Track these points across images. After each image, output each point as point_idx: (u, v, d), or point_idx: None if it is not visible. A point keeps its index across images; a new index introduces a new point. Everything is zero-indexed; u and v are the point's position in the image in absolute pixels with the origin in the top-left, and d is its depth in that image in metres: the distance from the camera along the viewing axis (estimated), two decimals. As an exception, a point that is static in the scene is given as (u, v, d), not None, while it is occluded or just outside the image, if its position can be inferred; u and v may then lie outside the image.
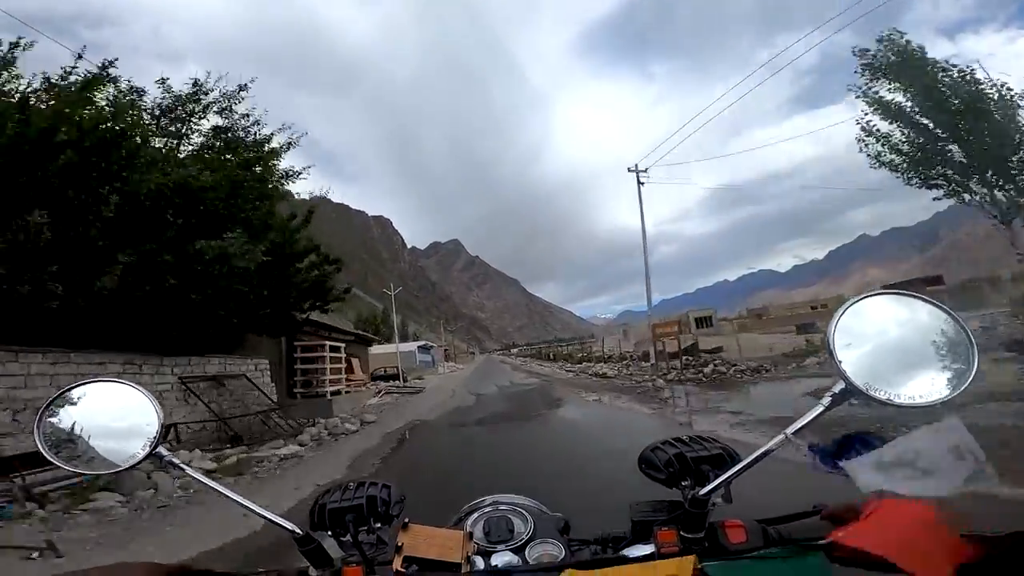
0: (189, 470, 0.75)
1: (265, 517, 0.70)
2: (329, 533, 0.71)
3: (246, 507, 0.71)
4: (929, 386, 0.58)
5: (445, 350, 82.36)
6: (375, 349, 46.88)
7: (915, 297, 0.64)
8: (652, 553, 0.65)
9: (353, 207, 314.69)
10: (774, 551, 0.62)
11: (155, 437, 0.74)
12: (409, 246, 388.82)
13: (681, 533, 0.65)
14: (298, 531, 0.68)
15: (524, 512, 0.80)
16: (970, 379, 0.58)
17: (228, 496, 0.72)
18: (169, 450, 0.74)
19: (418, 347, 59.19)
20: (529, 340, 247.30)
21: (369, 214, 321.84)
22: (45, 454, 0.73)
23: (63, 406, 0.76)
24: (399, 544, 0.68)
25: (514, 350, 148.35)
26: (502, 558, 0.72)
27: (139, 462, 0.74)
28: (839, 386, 0.60)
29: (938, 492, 0.51)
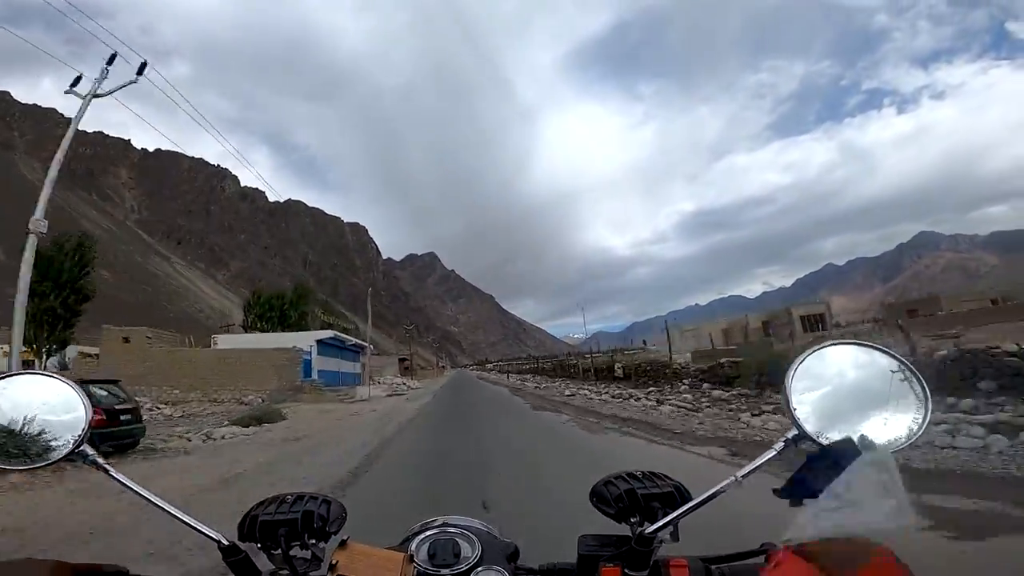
0: (113, 472, 0.71)
1: (189, 525, 0.68)
2: (258, 546, 0.68)
3: (170, 513, 0.68)
4: (882, 434, 0.60)
5: (403, 360, 68.77)
6: (224, 340, 33.03)
7: (871, 347, 0.67)
8: None
9: (328, 212, 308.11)
10: None
11: (80, 434, 0.71)
12: (384, 256, 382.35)
13: (625, 571, 0.64)
14: (224, 540, 0.66)
15: (472, 536, 0.77)
16: (922, 429, 0.61)
17: (152, 502, 0.69)
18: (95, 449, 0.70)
19: (319, 340, 34.63)
20: (503, 356, 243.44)
21: (344, 220, 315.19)
22: None
23: None
24: (333, 562, 0.65)
25: (489, 365, 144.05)
26: None
27: (60, 459, 0.71)
28: (792, 432, 0.63)
29: (874, 531, 0.51)
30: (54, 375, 0.76)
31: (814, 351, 0.67)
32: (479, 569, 0.71)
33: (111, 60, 11.05)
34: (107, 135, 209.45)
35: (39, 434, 0.71)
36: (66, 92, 10.92)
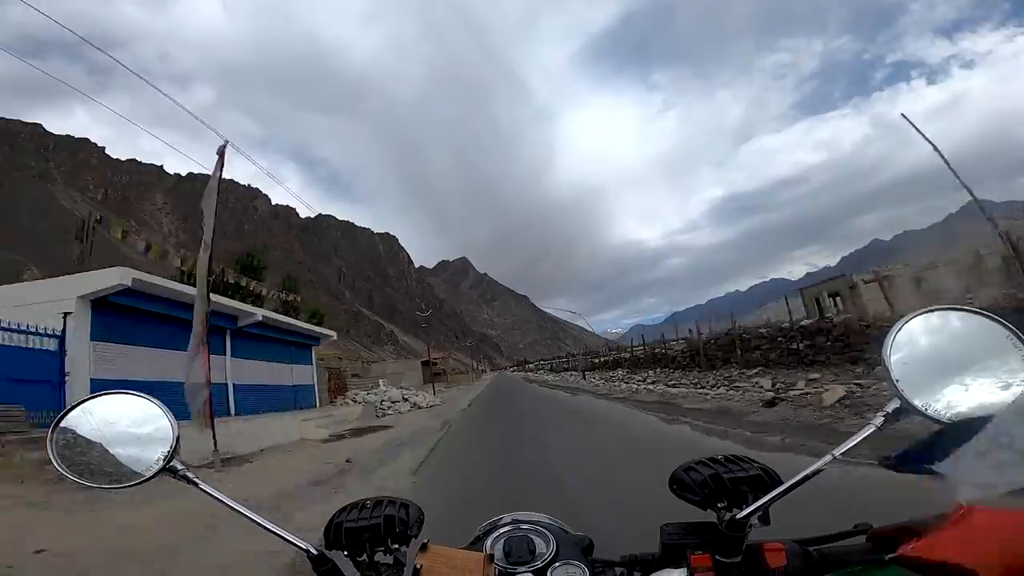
0: (204, 485, 0.73)
1: (280, 535, 0.68)
2: (345, 553, 0.68)
3: (261, 524, 0.70)
4: (986, 400, 0.56)
5: (431, 364, 49.54)
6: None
7: (971, 311, 0.63)
8: None
9: (358, 224, 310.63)
10: (841, 572, 0.59)
11: (169, 451, 0.73)
12: (417, 265, 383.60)
13: (716, 557, 0.62)
14: (313, 550, 0.67)
15: (546, 531, 0.77)
16: None
17: (242, 513, 0.71)
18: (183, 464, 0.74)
19: (107, 298, 11.21)
20: (541, 356, 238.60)
21: (375, 231, 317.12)
22: (57, 467, 0.72)
23: (76, 418, 0.75)
24: (417, 566, 0.65)
25: (530, 365, 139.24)
26: None
27: (152, 476, 0.73)
28: (893, 404, 0.60)
29: None
30: (138, 394, 0.77)
31: (912, 317, 0.64)
32: (556, 565, 0.71)
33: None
34: (140, 162, 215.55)
35: (129, 453, 0.73)
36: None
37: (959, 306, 0.64)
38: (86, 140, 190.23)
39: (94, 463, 0.73)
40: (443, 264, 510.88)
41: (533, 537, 0.75)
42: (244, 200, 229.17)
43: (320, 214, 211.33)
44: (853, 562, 0.59)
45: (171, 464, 0.72)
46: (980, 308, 0.64)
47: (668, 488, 0.71)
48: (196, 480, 0.73)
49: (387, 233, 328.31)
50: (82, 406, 0.76)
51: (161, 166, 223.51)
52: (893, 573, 0.53)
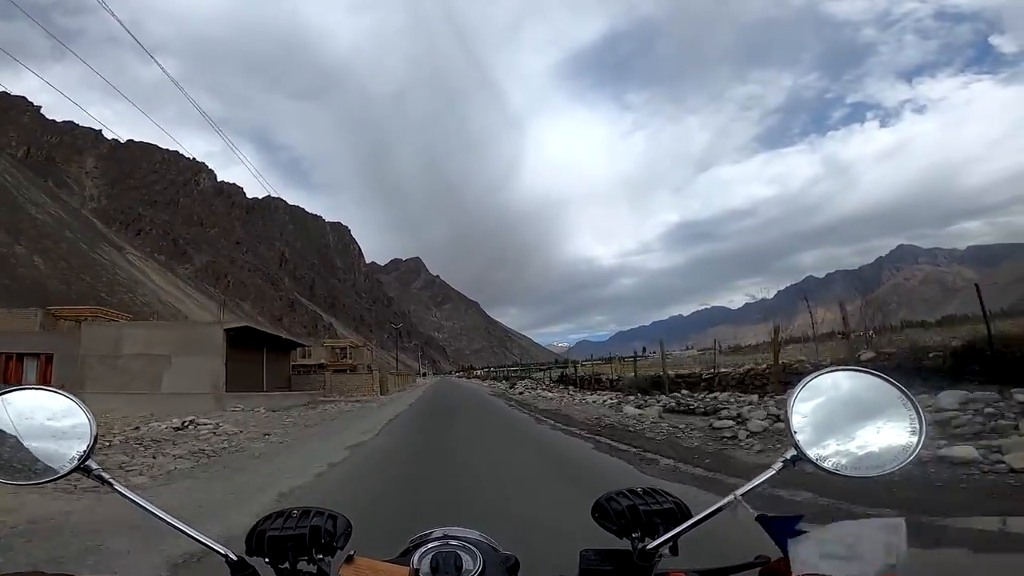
0: (119, 486, 0.69)
1: (198, 540, 0.66)
2: (267, 561, 0.67)
3: (178, 528, 0.67)
4: (876, 458, 0.63)
5: (306, 355, 40.99)
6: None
7: (870, 373, 0.70)
8: None
9: (309, 211, 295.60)
10: None
11: (86, 449, 0.70)
12: (369, 260, 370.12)
13: None
14: (232, 556, 0.65)
15: (474, 548, 0.77)
16: (914, 454, 0.63)
17: (159, 516, 0.68)
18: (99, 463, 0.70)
19: None
20: (488, 364, 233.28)
21: (326, 220, 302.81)
22: None
23: None
24: None
25: (477, 372, 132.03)
26: None
27: (66, 474, 0.69)
28: (791, 453, 0.65)
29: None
30: (57, 390, 0.75)
31: (816, 375, 0.70)
32: None
33: None
34: (77, 125, 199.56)
35: (44, 449, 0.70)
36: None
37: (858, 367, 0.71)
38: (22, 98, 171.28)
39: (5, 457, 0.70)
40: (395, 262, 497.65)
41: (461, 553, 0.74)
42: (186, 173, 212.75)
43: (269, 196, 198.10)
44: None
45: (86, 463, 0.69)
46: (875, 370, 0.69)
47: (591, 516, 0.75)
48: (111, 480, 0.70)
49: (339, 223, 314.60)
50: None
51: (99, 131, 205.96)
52: None
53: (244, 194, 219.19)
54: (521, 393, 27.40)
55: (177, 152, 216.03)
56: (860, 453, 0.64)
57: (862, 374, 0.70)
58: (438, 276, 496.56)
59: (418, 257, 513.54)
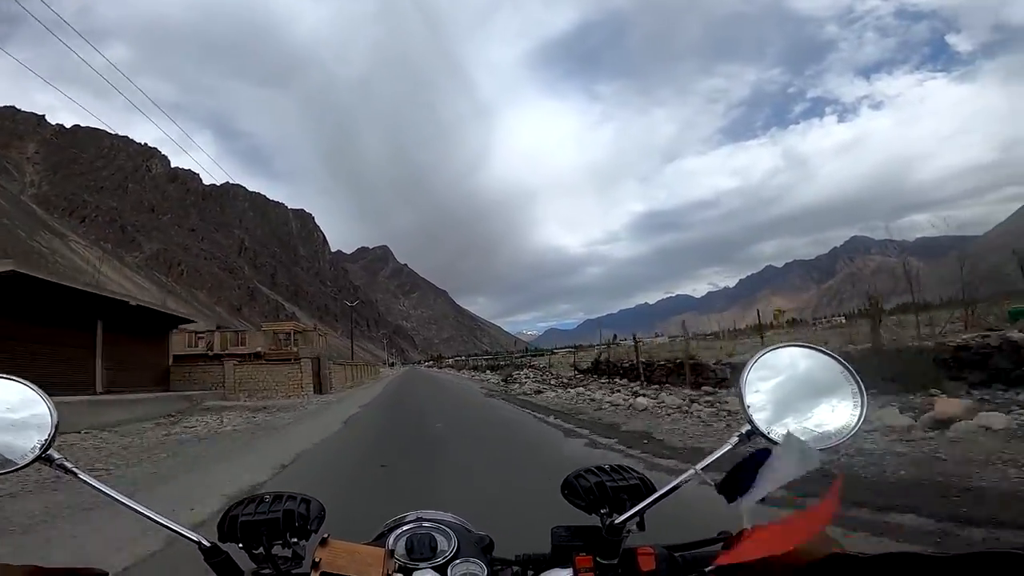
0: (83, 475, 0.68)
1: (168, 527, 0.66)
2: (240, 546, 0.67)
3: (147, 516, 0.67)
4: (825, 429, 0.67)
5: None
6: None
7: (816, 349, 0.73)
8: None
9: (271, 198, 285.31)
10: None
11: (47, 439, 0.68)
12: (335, 249, 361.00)
13: (597, 559, 0.67)
14: (205, 542, 0.65)
15: (448, 529, 0.78)
16: (858, 424, 0.67)
17: (127, 505, 0.67)
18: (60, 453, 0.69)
19: None
20: (457, 352, 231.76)
21: (289, 207, 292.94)
22: None
23: None
24: (316, 560, 0.65)
25: (448, 360, 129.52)
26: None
27: (26, 465, 0.68)
28: (746, 427, 0.68)
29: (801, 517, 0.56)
30: (16, 379, 0.73)
31: (766, 352, 0.73)
32: (456, 562, 0.72)
33: None
34: (19, 110, 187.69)
35: (3, 439, 0.68)
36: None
37: (805, 343, 0.75)
38: None
39: None
40: (362, 250, 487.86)
41: (435, 535, 0.76)
42: (137, 159, 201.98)
43: (228, 182, 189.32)
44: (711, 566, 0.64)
45: (48, 452, 0.68)
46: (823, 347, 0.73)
47: (560, 493, 0.77)
48: (75, 469, 0.69)
49: (302, 210, 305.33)
50: None
51: (43, 116, 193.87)
52: None
53: (200, 180, 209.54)
54: (539, 392, 17.86)
55: (128, 138, 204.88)
56: (808, 427, 0.67)
57: (809, 351, 0.73)
58: (406, 265, 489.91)
59: (385, 246, 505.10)
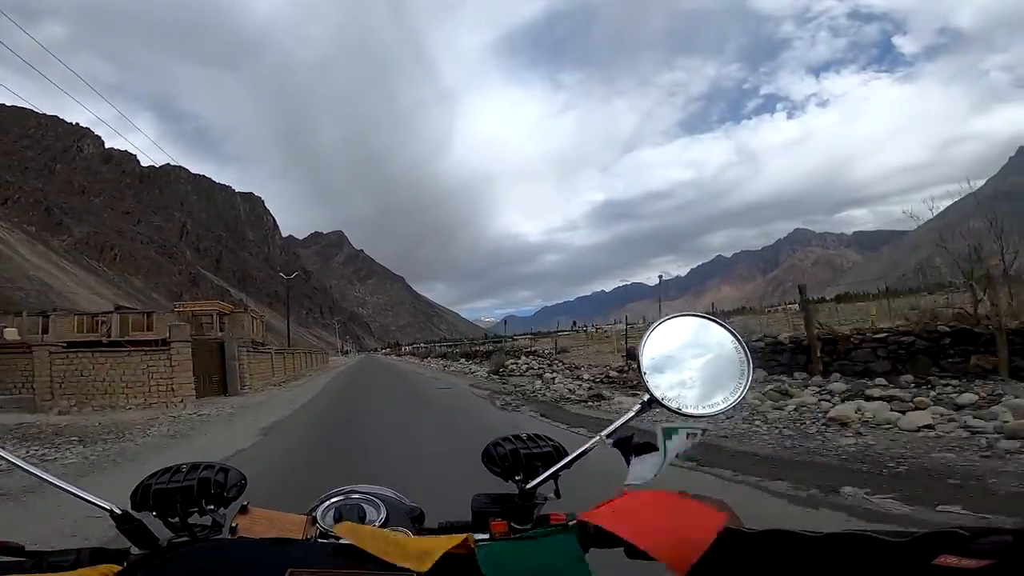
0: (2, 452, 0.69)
1: (81, 497, 0.66)
2: (154, 514, 0.66)
3: (60, 487, 0.67)
4: (715, 397, 0.70)
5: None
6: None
7: (708, 319, 0.76)
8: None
9: (217, 181, 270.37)
10: (531, 532, 0.67)
11: None
12: (286, 234, 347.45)
13: (512, 524, 0.69)
14: (116, 510, 0.64)
15: (378, 500, 0.79)
16: (742, 393, 0.71)
17: (40, 477, 0.68)
18: None
19: None
20: (415, 340, 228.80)
21: (236, 190, 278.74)
22: None
23: None
24: (234, 525, 0.65)
25: (406, 347, 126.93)
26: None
27: None
28: (646, 396, 0.71)
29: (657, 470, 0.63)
30: None
31: (663, 321, 0.75)
32: (384, 531, 0.72)
33: None
34: None
35: None
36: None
37: (699, 313, 0.78)
38: None
39: None
40: (316, 236, 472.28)
41: (364, 505, 0.77)
42: (67, 139, 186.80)
43: (168, 164, 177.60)
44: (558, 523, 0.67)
45: None
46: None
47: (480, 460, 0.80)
48: None
49: (251, 194, 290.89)
50: None
51: None
52: (562, 541, 0.63)
53: (138, 162, 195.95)
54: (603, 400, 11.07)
55: (57, 117, 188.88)
56: (700, 393, 0.70)
57: (704, 321, 0.75)
58: (362, 250, 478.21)
59: (340, 231, 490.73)
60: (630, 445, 0.70)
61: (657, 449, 0.67)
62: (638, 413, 0.71)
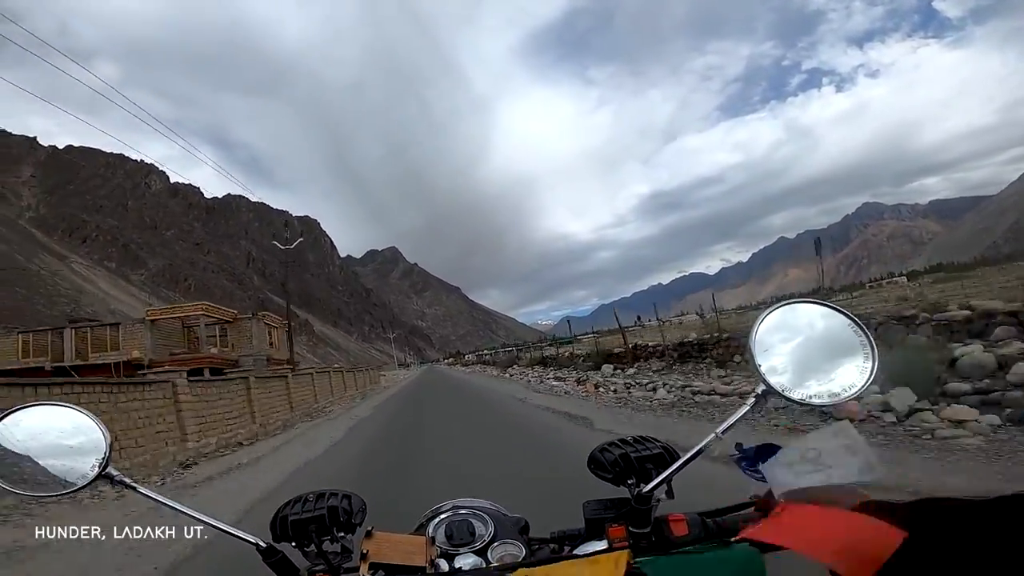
0: (141, 488, 0.73)
1: (225, 531, 0.69)
2: (293, 544, 0.70)
3: (205, 522, 0.70)
4: (837, 385, 0.65)
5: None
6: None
7: (823, 304, 0.71)
8: (604, 549, 0.68)
9: (274, 207, 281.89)
10: (702, 546, 0.65)
11: (104, 457, 0.72)
12: (344, 254, 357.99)
13: (630, 528, 0.68)
14: (261, 543, 0.68)
15: (484, 515, 0.80)
16: (870, 379, 0.66)
17: (184, 512, 0.70)
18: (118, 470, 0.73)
19: None
20: (475, 348, 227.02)
21: (293, 215, 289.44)
22: None
23: (4, 430, 0.73)
24: (364, 551, 0.68)
25: (469, 356, 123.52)
26: (465, 560, 0.74)
27: (90, 483, 0.72)
28: (760, 388, 0.66)
29: (837, 481, 0.56)
30: (66, 404, 0.77)
31: (773, 309, 0.71)
32: (495, 544, 0.75)
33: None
34: (10, 134, 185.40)
35: (65, 461, 0.73)
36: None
37: (812, 299, 0.73)
38: None
39: (27, 473, 0.72)
40: (372, 254, 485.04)
41: (473, 520, 0.79)
42: (135, 176, 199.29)
43: (229, 195, 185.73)
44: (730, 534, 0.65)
45: (107, 471, 0.72)
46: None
47: (587, 468, 0.78)
48: (134, 484, 0.72)
49: (307, 217, 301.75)
50: (10, 416, 0.75)
51: (35, 138, 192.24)
52: (739, 553, 0.60)
53: (202, 194, 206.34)
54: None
55: (123, 155, 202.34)
56: (823, 382, 0.66)
57: (818, 306, 0.71)
58: (416, 264, 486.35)
59: (394, 247, 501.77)
60: (747, 449, 0.68)
61: (778, 449, 0.64)
62: (753, 407, 0.67)
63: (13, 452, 0.72)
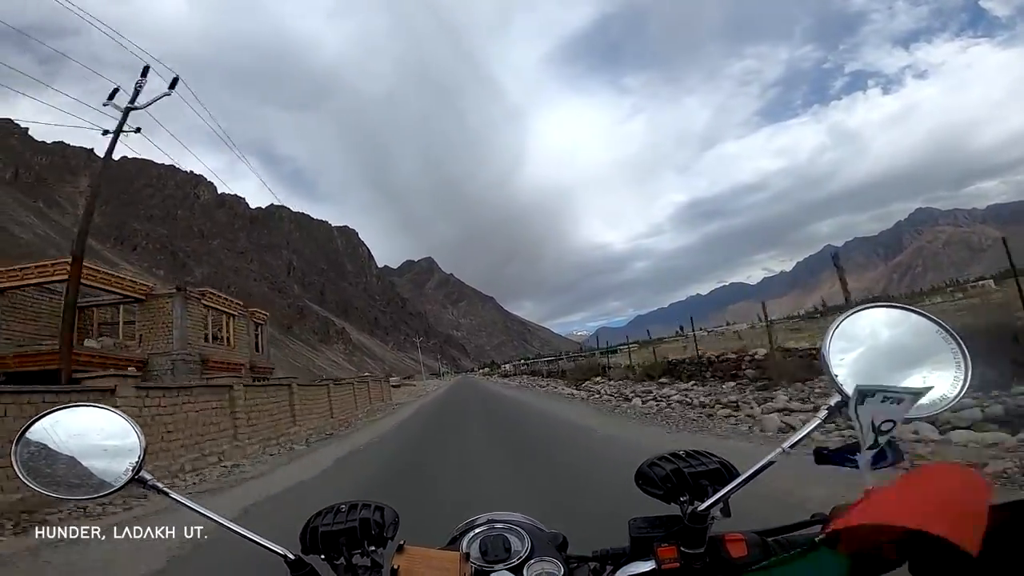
0: (173, 494, 0.72)
1: (255, 541, 0.67)
2: (322, 557, 0.68)
3: (234, 531, 0.68)
4: (926, 397, 0.57)
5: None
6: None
7: (907, 309, 0.65)
8: (653, 570, 0.64)
9: (315, 217, 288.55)
10: (774, 559, 0.59)
11: (138, 461, 0.72)
12: (381, 264, 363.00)
13: (681, 549, 0.63)
14: (290, 555, 0.66)
15: (520, 530, 0.77)
16: (963, 390, 0.59)
17: (215, 520, 0.70)
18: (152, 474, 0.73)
19: None
20: (510, 358, 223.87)
21: (333, 224, 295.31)
22: (24, 480, 0.70)
23: (42, 431, 0.74)
24: (395, 567, 0.65)
25: (506, 366, 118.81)
26: None
27: (122, 487, 0.72)
28: (835, 399, 0.60)
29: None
30: (105, 406, 0.77)
31: (850, 315, 0.65)
32: (532, 562, 0.71)
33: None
34: (68, 145, 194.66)
35: (98, 464, 0.72)
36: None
37: (893, 303, 0.67)
38: (7, 120, 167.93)
39: (61, 475, 0.72)
40: (408, 264, 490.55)
41: (508, 536, 0.75)
42: (185, 187, 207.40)
43: (272, 205, 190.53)
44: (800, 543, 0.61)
45: (140, 475, 0.71)
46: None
47: (634, 483, 0.72)
48: (166, 490, 0.72)
49: (346, 227, 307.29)
50: (48, 418, 0.75)
51: (91, 150, 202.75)
52: (823, 554, 0.54)
53: (247, 205, 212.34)
54: None
55: (174, 167, 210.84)
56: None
57: (900, 310, 0.65)
58: (451, 274, 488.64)
59: (430, 257, 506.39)
60: (827, 453, 0.62)
61: (857, 452, 0.58)
62: (826, 419, 0.62)
63: (50, 453, 0.72)
